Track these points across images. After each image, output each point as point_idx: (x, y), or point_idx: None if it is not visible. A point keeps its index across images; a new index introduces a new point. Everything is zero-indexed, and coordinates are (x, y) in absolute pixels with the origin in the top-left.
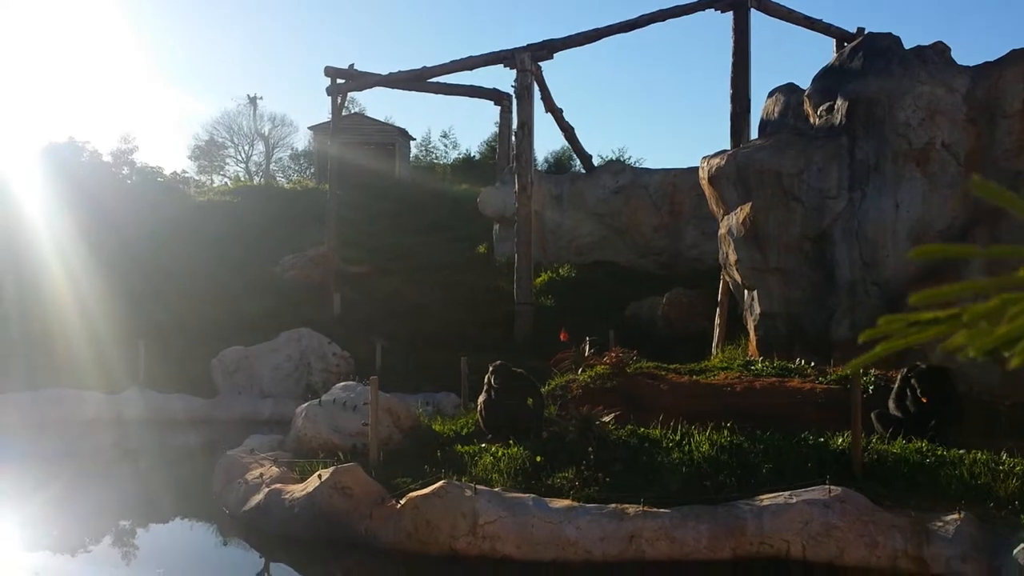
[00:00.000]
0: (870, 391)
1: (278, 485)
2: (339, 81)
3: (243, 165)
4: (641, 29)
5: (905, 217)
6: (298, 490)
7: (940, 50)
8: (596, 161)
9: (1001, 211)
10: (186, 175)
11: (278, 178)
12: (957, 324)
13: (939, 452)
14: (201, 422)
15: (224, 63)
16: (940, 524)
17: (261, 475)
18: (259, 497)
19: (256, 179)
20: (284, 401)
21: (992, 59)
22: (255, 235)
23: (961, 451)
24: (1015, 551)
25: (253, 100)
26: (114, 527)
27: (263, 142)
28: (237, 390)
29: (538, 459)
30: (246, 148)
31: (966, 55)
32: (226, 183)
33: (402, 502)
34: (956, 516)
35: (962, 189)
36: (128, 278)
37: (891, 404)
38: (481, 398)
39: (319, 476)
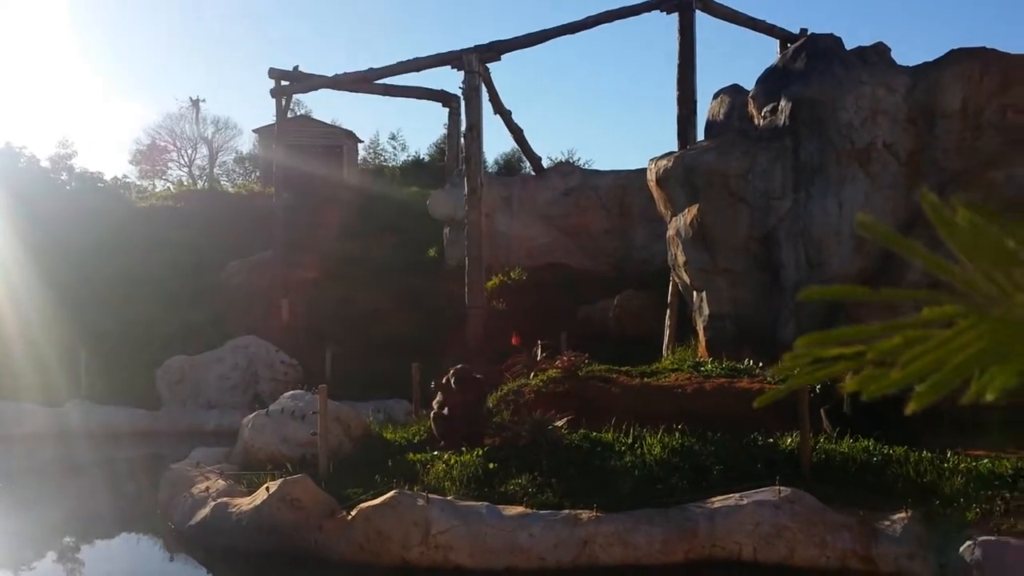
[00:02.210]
0: (817, 390)
1: (225, 499)
2: (283, 83)
3: (186, 169)
4: (588, 30)
5: (848, 217)
6: (245, 503)
7: (881, 51)
8: (546, 163)
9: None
10: (127, 180)
11: (223, 182)
12: (862, 361)
13: (885, 451)
14: (145, 435)
15: (166, 65)
16: (888, 523)
17: (207, 488)
18: (205, 511)
19: (200, 183)
20: (230, 412)
21: (931, 59)
22: (199, 241)
23: (906, 449)
24: (961, 548)
25: (196, 103)
26: (58, 543)
27: (206, 146)
28: (182, 401)
29: (491, 466)
30: (189, 152)
31: (906, 55)
32: (169, 188)
33: (353, 513)
34: (903, 515)
35: (904, 189)
36: (69, 286)
37: (845, 403)
38: (434, 404)
39: (267, 488)
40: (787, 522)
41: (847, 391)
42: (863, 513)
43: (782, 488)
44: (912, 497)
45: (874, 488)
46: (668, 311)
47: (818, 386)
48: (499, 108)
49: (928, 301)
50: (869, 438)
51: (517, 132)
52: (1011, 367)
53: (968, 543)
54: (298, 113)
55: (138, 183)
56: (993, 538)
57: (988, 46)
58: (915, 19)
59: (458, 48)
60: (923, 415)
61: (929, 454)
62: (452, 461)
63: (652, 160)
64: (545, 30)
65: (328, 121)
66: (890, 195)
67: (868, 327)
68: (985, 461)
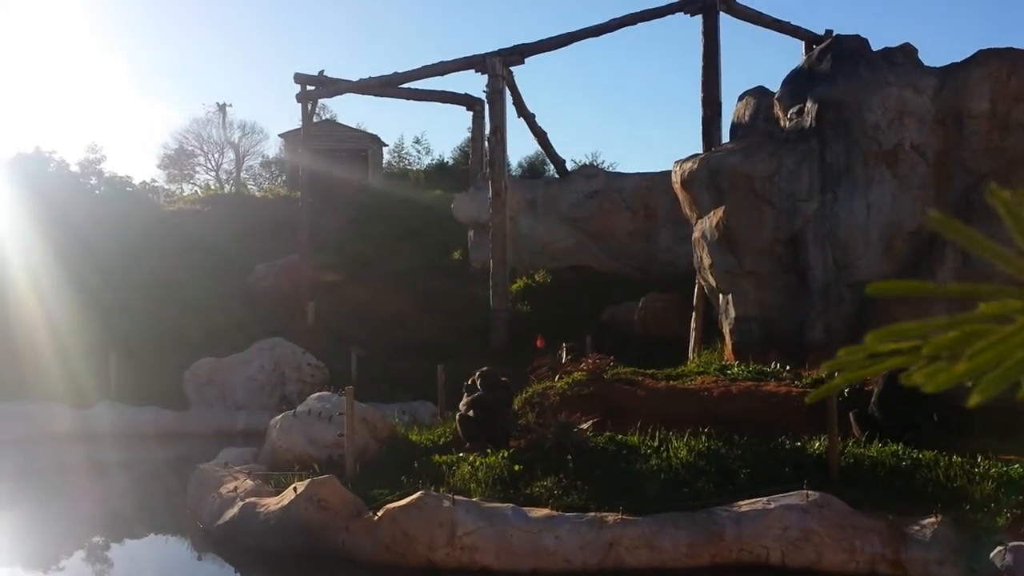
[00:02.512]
0: (845, 394)
1: (253, 498)
2: (309, 88)
3: (213, 174)
4: (612, 33)
5: (876, 219)
6: (273, 503)
7: (907, 52)
8: (569, 166)
9: (971, 213)
10: (155, 184)
11: (249, 186)
12: (917, 356)
13: (915, 455)
14: (173, 435)
15: (193, 70)
16: (917, 528)
17: (235, 488)
18: (233, 511)
19: (227, 187)
20: (258, 413)
21: (959, 60)
22: (226, 244)
23: (936, 453)
24: (992, 554)
25: (222, 108)
26: (86, 543)
27: (233, 150)
28: (209, 402)
29: (516, 468)
30: (216, 156)
31: (933, 56)
32: (196, 192)
33: (379, 514)
34: (933, 519)
35: (933, 190)
36: (97, 290)
37: (872, 407)
38: (461, 406)
39: (294, 489)
40: (815, 526)
41: (910, 384)
42: (892, 518)
43: (810, 492)
44: (942, 502)
45: (903, 492)
46: (694, 314)
47: (847, 390)
48: (523, 111)
49: (990, 296)
50: (898, 442)
51: (541, 135)
52: None
53: (999, 548)
54: (324, 117)
55: (166, 187)
56: None
57: (1016, 46)
58: (943, 19)
59: (482, 52)
60: (955, 418)
61: (959, 458)
62: (478, 463)
63: (677, 162)
64: (569, 33)
65: (353, 125)
66: (918, 196)
67: (935, 320)
68: (1016, 466)
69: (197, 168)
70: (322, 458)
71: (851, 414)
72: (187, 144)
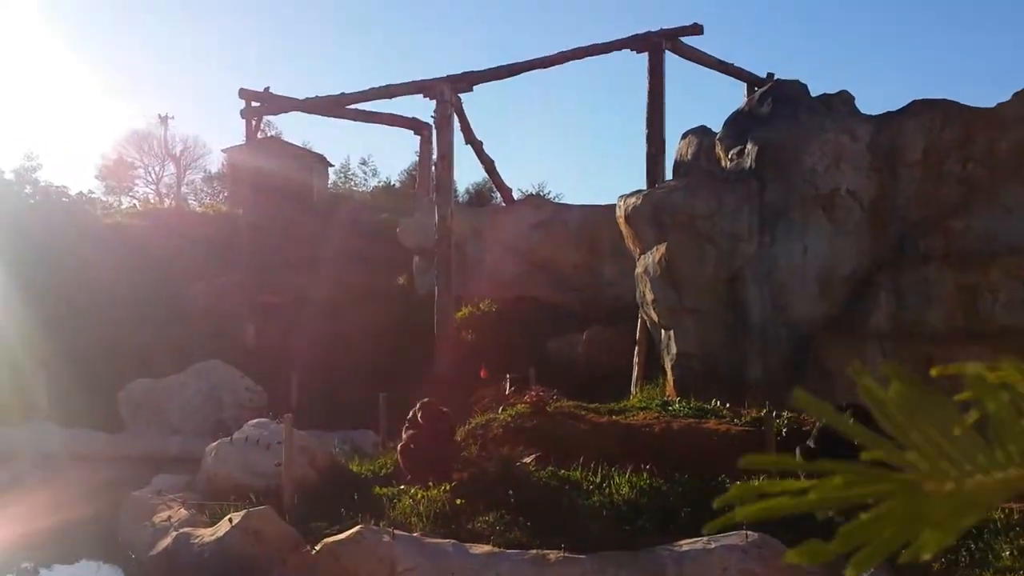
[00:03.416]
0: (783, 433)
1: (187, 529)
2: (254, 104)
3: (153, 187)
4: (560, 66)
5: (813, 261)
6: (208, 534)
7: (845, 99)
8: (516, 195)
9: (904, 259)
10: (93, 196)
11: (190, 201)
12: (803, 500)
13: None
14: (106, 459)
15: (135, 80)
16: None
17: (169, 518)
18: (167, 541)
19: (167, 202)
20: (193, 438)
21: (894, 109)
22: (165, 261)
23: None
24: None
25: (164, 119)
26: (14, 568)
27: (174, 163)
28: (144, 425)
29: (458, 502)
30: (156, 169)
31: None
32: (135, 205)
33: (317, 548)
34: None
35: (868, 235)
36: (28, 304)
37: (811, 442)
38: (403, 437)
39: (230, 520)
40: (755, 567)
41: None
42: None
43: (749, 532)
44: None
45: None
46: (637, 348)
47: (784, 429)
48: (470, 138)
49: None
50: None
51: (488, 163)
52: (945, 532)
53: None
54: (268, 134)
55: (104, 199)
56: None
57: (949, 98)
58: (879, 66)
59: (431, 77)
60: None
61: None
62: (419, 496)
63: (621, 197)
64: (517, 63)
65: (299, 143)
66: (853, 241)
67: (797, 486)
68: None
69: (136, 180)
70: (259, 487)
71: (798, 448)
72: (126, 155)
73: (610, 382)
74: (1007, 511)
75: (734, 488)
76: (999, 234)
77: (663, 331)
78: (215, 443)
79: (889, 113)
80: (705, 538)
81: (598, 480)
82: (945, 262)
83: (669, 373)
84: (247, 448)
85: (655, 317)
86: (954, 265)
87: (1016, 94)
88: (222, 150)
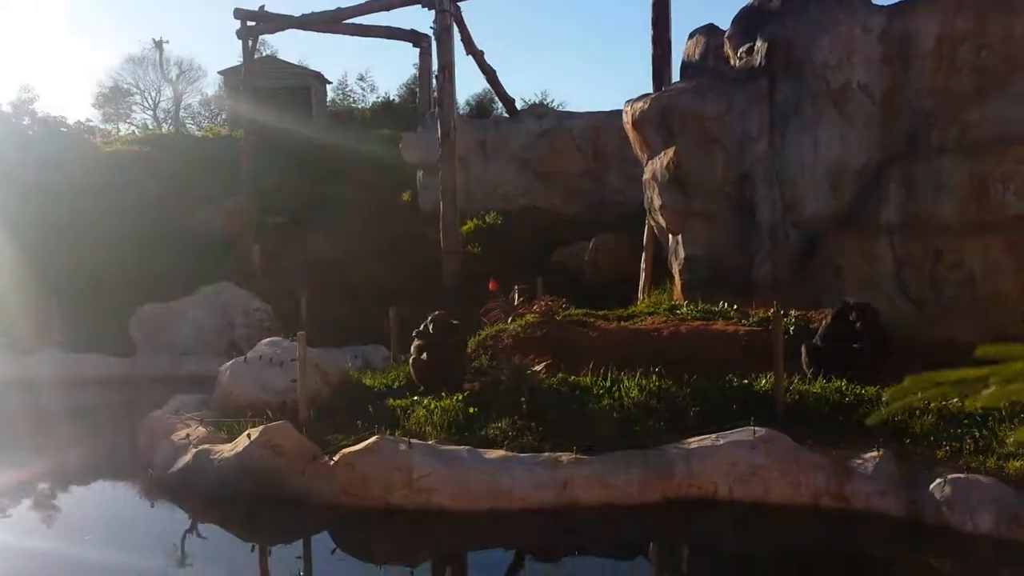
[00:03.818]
0: (791, 332)
1: (206, 445)
2: (249, 23)
3: (151, 113)
4: None
5: (823, 158)
6: (227, 450)
7: None
8: (519, 105)
9: (915, 151)
10: (91, 124)
11: (188, 125)
12: (981, 385)
13: (858, 391)
14: (120, 382)
15: (127, 6)
16: (860, 462)
17: (188, 436)
18: (187, 458)
19: (165, 127)
20: (205, 359)
21: None
22: (167, 186)
23: (878, 388)
24: (931, 485)
25: (159, 44)
26: (33, 491)
27: (171, 88)
28: (156, 348)
29: (471, 411)
30: (153, 95)
31: None
32: (134, 132)
33: (335, 459)
34: (875, 453)
35: (879, 129)
36: (35, 234)
37: (817, 339)
38: (413, 349)
39: (248, 435)
40: (762, 461)
41: (978, 404)
42: (836, 452)
43: (757, 428)
44: (884, 436)
45: (847, 428)
46: (644, 254)
47: (792, 328)
48: (471, 49)
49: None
50: (843, 376)
51: (490, 73)
52: None
53: (938, 481)
54: (264, 53)
55: (102, 127)
56: (962, 476)
57: None
58: None
59: None
60: (897, 354)
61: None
62: (432, 406)
63: (628, 102)
64: None
65: (295, 62)
66: (864, 135)
67: (970, 371)
68: (955, 400)
69: (134, 107)
70: (274, 404)
71: (803, 346)
72: (122, 82)
73: (617, 289)
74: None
75: (909, 380)
76: (1013, 122)
77: (671, 236)
78: (230, 362)
79: (901, 2)
80: (713, 435)
81: (608, 385)
82: (958, 152)
83: (677, 277)
84: (261, 366)
85: (663, 222)
86: (967, 155)
87: None
88: (218, 72)
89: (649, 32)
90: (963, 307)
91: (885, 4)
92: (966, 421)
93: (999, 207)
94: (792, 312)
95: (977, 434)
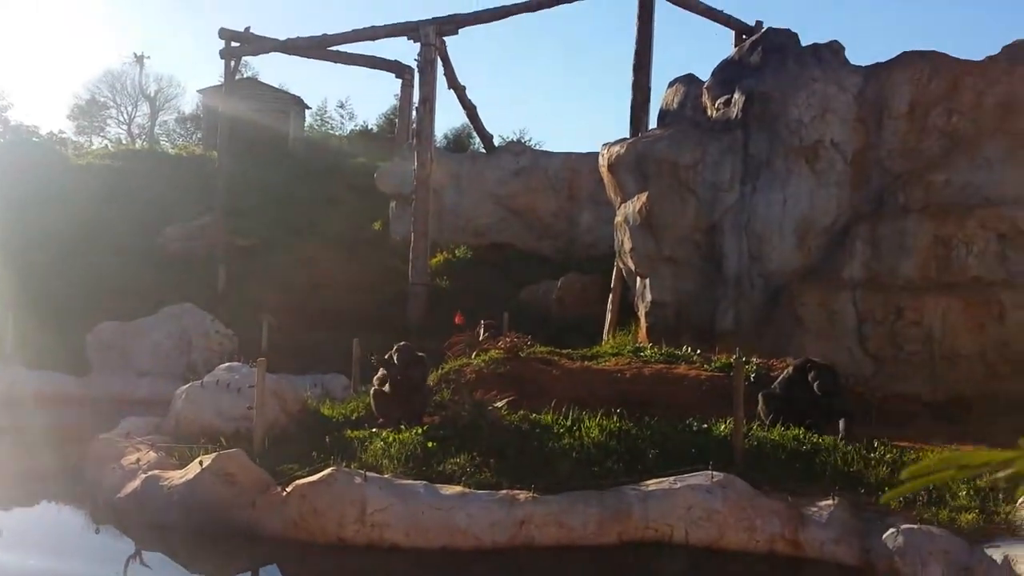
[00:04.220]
0: (751, 379)
1: (156, 471)
2: (234, 44)
3: (125, 127)
4: (548, 10)
5: (792, 213)
6: (177, 477)
7: (835, 49)
8: (496, 141)
9: (882, 210)
10: (64, 136)
11: (163, 142)
12: (1006, 466)
13: (815, 439)
14: (73, 401)
15: (109, 19)
16: (815, 509)
17: (137, 460)
18: (135, 484)
19: (139, 142)
20: (162, 381)
21: (883, 60)
22: (137, 202)
23: (835, 439)
24: (884, 535)
25: (140, 59)
26: None
27: (148, 104)
28: (112, 368)
29: (430, 445)
30: (129, 109)
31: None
32: (107, 146)
33: (288, 490)
34: (830, 501)
35: (848, 187)
36: None
37: (775, 387)
38: (375, 380)
39: (200, 462)
40: (718, 506)
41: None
42: (791, 499)
43: (715, 472)
44: (839, 485)
45: (803, 475)
46: (611, 296)
47: (752, 375)
48: (453, 83)
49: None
50: (800, 424)
51: (470, 109)
52: None
53: (891, 530)
54: (245, 75)
55: (75, 139)
56: (915, 526)
57: (938, 50)
58: (870, 16)
59: (416, 19)
60: (855, 406)
61: (857, 444)
62: (391, 439)
63: (605, 145)
64: (505, 6)
65: (276, 85)
66: (834, 192)
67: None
68: (910, 453)
69: (108, 121)
70: (229, 431)
71: (760, 394)
72: (100, 95)
73: (583, 329)
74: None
75: (936, 456)
76: (978, 187)
77: (639, 279)
78: (186, 386)
79: (878, 64)
80: (671, 478)
81: (568, 424)
82: (924, 214)
83: (643, 320)
84: (218, 391)
85: (632, 265)
86: (932, 217)
87: (1005, 47)
88: (198, 91)
89: (630, 78)
90: (921, 364)
91: (862, 65)
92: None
93: (960, 269)
94: (754, 360)
95: (931, 487)
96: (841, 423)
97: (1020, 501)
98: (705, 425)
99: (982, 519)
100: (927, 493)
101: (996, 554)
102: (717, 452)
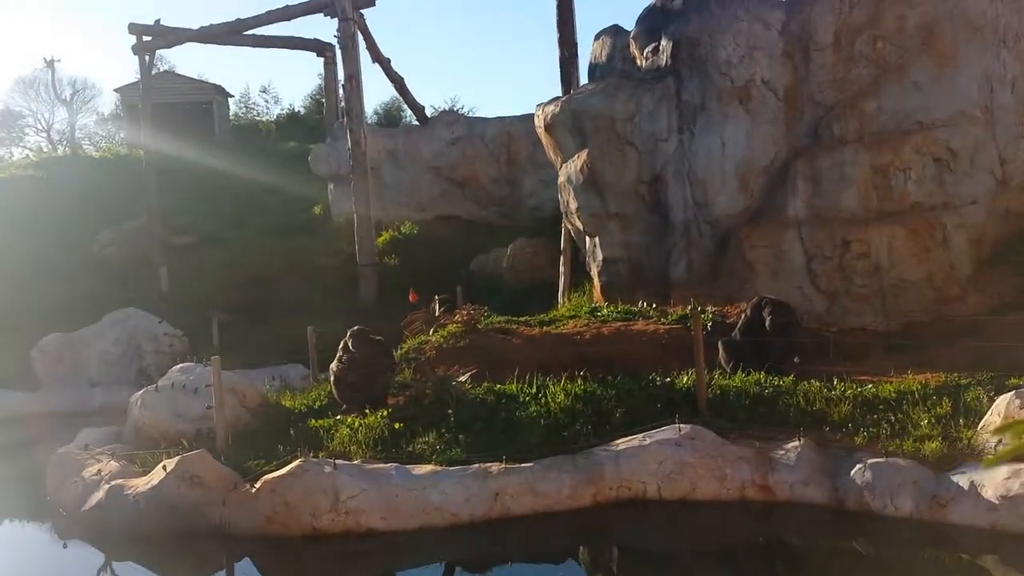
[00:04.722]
0: (709, 328)
1: (119, 480)
2: (145, 38)
3: (44, 135)
4: None
5: (731, 155)
6: (142, 484)
7: None
8: (429, 112)
9: (819, 144)
10: None
11: (85, 146)
12: None
13: (776, 382)
14: (25, 418)
15: (14, 26)
16: (782, 452)
17: (99, 472)
18: (99, 495)
19: (61, 149)
20: (115, 389)
21: None
22: (66, 210)
23: (794, 379)
24: (852, 471)
25: (50, 63)
26: None
27: (65, 108)
28: (62, 381)
29: (397, 426)
30: (46, 116)
31: None
32: (28, 156)
33: (257, 486)
34: (796, 443)
35: (783, 124)
36: None
37: (736, 333)
38: (334, 367)
39: (164, 467)
40: (688, 458)
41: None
42: (759, 444)
43: (682, 425)
44: (804, 425)
45: (768, 419)
46: (562, 258)
47: (709, 323)
48: (377, 56)
49: None
50: (761, 368)
51: (398, 81)
52: None
53: (859, 466)
54: (161, 69)
55: None
56: (881, 460)
57: None
58: None
59: None
60: (812, 344)
61: (817, 383)
62: (356, 424)
63: (539, 106)
64: None
65: (194, 76)
66: (770, 130)
67: None
68: (869, 386)
69: (26, 130)
70: (190, 433)
71: (720, 342)
72: (13, 105)
73: (537, 293)
74: (923, 383)
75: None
76: (910, 111)
77: (588, 238)
78: (140, 392)
79: None
80: (640, 435)
81: (534, 391)
82: (859, 144)
83: (596, 279)
84: (174, 394)
85: (579, 225)
86: (868, 147)
87: None
88: (115, 90)
89: (555, 35)
90: (872, 295)
91: (784, 0)
92: (881, 407)
93: (900, 196)
94: (710, 308)
95: (893, 418)
96: (796, 359)
97: (981, 425)
98: (668, 379)
99: (946, 446)
100: (889, 426)
101: (962, 480)
102: (682, 404)
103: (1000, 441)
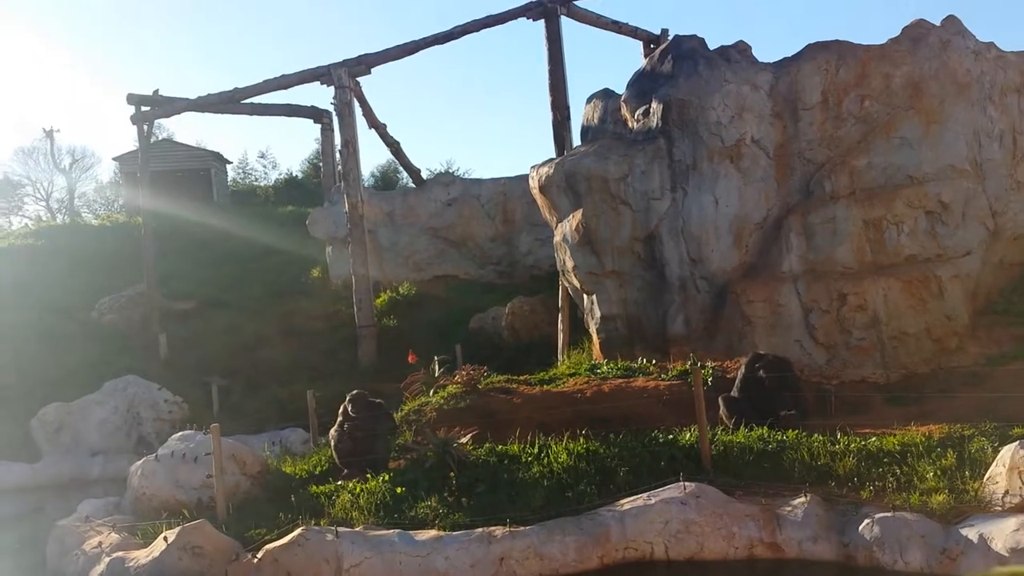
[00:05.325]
0: (709, 383)
1: (120, 553)
2: (144, 108)
3: (44, 204)
4: (457, 40)
5: (725, 212)
6: (143, 556)
7: (742, 49)
8: (425, 175)
9: (811, 200)
10: None
11: (84, 214)
12: None
13: (779, 437)
14: (25, 489)
15: (14, 96)
16: (789, 508)
17: (100, 544)
18: (100, 568)
19: (60, 218)
20: (115, 458)
21: (790, 55)
22: (65, 279)
23: (797, 434)
24: (860, 526)
25: (49, 133)
26: None
27: (64, 177)
28: (62, 451)
29: (399, 490)
30: (46, 185)
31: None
32: (27, 225)
33: (259, 555)
34: (803, 499)
35: (775, 181)
36: None
37: (735, 391)
38: (334, 432)
39: (164, 538)
40: (694, 517)
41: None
42: (765, 501)
43: (687, 483)
44: (809, 480)
45: (772, 475)
46: (560, 315)
47: (710, 380)
48: (373, 122)
49: None
50: (763, 424)
51: (393, 145)
52: None
53: (866, 521)
54: (160, 137)
55: None
56: (889, 514)
57: (843, 39)
58: (771, 13)
59: (326, 63)
60: (813, 397)
61: (820, 437)
62: (358, 489)
63: (533, 167)
64: (414, 41)
65: (193, 143)
66: (761, 188)
67: None
68: (873, 439)
69: (26, 199)
70: (191, 502)
71: (720, 398)
72: (12, 174)
73: (537, 351)
74: (927, 434)
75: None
76: (900, 166)
77: (585, 296)
78: (140, 462)
79: (786, 59)
80: (645, 494)
81: (536, 451)
82: (851, 199)
83: (594, 336)
84: (174, 463)
85: (576, 283)
86: (860, 201)
87: (905, 28)
88: (113, 158)
89: (548, 98)
90: (871, 347)
91: (771, 62)
92: (886, 460)
93: (894, 249)
94: (709, 363)
95: (898, 471)
96: (789, 412)
97: (987, 476)
98: (671, 436)
99: (952, 499)
100: (895, 479)
101: (971, 533)
102: (686, 461)
103: (1007, 492)
